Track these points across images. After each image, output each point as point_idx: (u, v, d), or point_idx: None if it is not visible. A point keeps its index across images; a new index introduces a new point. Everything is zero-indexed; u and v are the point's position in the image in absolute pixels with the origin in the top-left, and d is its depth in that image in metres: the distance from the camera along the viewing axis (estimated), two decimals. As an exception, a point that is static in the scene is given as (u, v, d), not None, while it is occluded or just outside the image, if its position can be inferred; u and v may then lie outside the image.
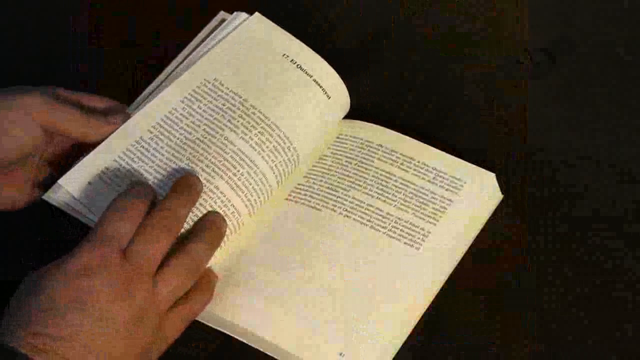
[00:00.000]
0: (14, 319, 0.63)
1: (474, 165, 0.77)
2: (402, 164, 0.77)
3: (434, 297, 0.72)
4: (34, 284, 0.64)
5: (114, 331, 0.64)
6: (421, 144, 0.78)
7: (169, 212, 0.68)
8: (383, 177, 0.77)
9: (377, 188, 0.76)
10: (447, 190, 0.76)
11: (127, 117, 0.74)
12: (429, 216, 0.74)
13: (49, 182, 0.73)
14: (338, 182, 0.77)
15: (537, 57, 0.87)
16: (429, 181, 0.76)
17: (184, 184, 0.70)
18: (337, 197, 0.76)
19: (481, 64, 0.87)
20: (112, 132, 0.73)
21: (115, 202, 0.67)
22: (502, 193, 0.77)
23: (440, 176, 0.76)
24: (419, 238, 0.73)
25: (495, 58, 0.87)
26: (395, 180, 0.77)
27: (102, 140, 0.73)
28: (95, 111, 0.74)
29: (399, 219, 0.74)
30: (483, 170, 0.77)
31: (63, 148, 0.75)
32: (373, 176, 0.77)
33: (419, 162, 0.77)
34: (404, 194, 0.76)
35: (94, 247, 0.65)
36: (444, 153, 0.78)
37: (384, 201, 0.76)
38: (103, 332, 0.63)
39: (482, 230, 0.76)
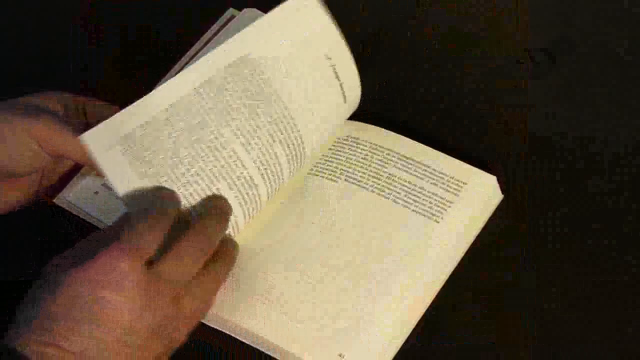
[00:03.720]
0: (25, 321, 0.61)
1: (474, 168, 0.77)
2: (402, 165, 0.78)
3: (434, 296, 0.72)
4: (52, 284, 0.61)
5: (127, 348, 0.62)
6: (420, 145, 0.78)
7: (204, 237, 0.65)
8: (382, 175, 0.77)
9: (374, 186, 0.76)
10: (447, 191, 0.76)
11: None
12: (432, 214, 0.75)
13: (56, 188, 0.73)
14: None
15: (537, 57, 0.87)
16: (430, 182, 0.76)
17: (219, 208, 0.69)
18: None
19: (481, 64, 0.87)
20: None
21: (142, 211, 0.64)
22: (502, 193, 0.77)
23: (441, 177, 0.77)
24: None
25: (495, 58, 0.87)
26: (394, 180, 0.77)
27: None
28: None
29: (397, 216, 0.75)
30: (483, 172, 0.77)
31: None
32: (369, 175, 0.77)
33: (419, 162, 0.77)
34: (405, 194, 0.76)
35: (120, 257, 0.61)
36: (444, 155, 0.78)
37: (386, 198, 0.76)
38: (116, 349, 0.61)
39: (482, 230, 0.76)
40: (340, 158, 0.79)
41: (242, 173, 0.71)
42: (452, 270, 0.74)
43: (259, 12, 0.79)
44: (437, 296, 0.72)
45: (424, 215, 0.75)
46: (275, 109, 0.72)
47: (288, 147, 0.73)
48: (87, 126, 0.74)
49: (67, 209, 0.72)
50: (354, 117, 0.81)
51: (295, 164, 0.75)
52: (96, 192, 0.72)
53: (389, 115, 0.83)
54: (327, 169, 0.78)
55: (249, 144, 0.71)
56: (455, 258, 0.74)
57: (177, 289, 0.64)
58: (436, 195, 0.76)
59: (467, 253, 0.74)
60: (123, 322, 0.61)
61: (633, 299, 0.73)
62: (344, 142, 0.80)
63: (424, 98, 0.85)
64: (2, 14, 0.95)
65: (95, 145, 0.66)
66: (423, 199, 0.76)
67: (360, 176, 0.77)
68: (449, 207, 0.75)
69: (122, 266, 0.61)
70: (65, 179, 0.73)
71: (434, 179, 0.77)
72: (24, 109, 0.70)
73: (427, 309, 0.72)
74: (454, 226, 0.74)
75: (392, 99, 0.86)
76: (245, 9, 0.79)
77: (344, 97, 0.77)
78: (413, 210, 0.75)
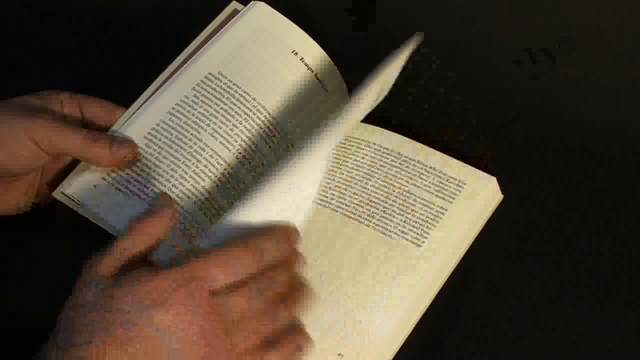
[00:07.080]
0: (62, 327, 0.56)
1: (474, 168, 0.77)
2: (401, 164, 0.78)
3: (434, 296, 0.72)
4: (102, 290, 0.56)
5: None
6: (420, 144, 0.79)
7: (271, 275, 0.60)
8: (381, 175, 0.77)
9: (374, 186, 0.77)
10: (447, 191, 0.76)
11: (134, 148, 0.73)
12: (429, 218, 0.75)
13: (55, 184, 0.73)
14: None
15: (537, 57, 0.87)
16: (429, 182, 0.76)
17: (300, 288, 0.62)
18: (337, 197, 0.76)
19: (481, 64, 0.87)
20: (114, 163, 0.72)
21: (224, 246, 0.59)
22: (502, 193, 0.77)
23: (441, 177, 0.77)
24: (419, 237, 0.74)
25: (495, 58, 0.87)
26: (393, 179, 0.77)
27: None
28: (97, 125, 0.74)
29: (401, 219, 0.75)
30: (483, 172, 0.77)
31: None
32: (369, 174, 0.77)
33: (418, 162, 0.77)
34: (404, 194, 0.76)
35: (182, 281, 0.56)
36: (444, 154, 0.78)
37: (385, 198, 0.76)
38: None
39: (482, 230, 0.76)
40: (340, 158, 0.79)
41: (225, 170, 0.73)
42: (451, 271, 0.74)
43: (266, 5, 0.78)
44: (438, 295, 0.72)
45: (424, 216, 0.75)
46: (249, 107, 0.75)
47: (270, 139, 0.75)
48: (84, 124, 0.74)
49: (64, 202, 0.72)
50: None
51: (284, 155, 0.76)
52: (95, 185, 0.72)
53: (389, 115, 0.83)
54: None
55: (228, 142, 0.74)
56: (455, 258, 0.74)
57: (229, 323, 0.57)
58: (437, 196, 0.76)
59: (467, 253, 0.74)
60: (162, 348, 0.55)
61: (633, 299, 0.73)
62: (344, 141, 0.80)
63: (423, 98, 0.85)
64: (2, 14, 0.95)
65: (79, 190, 0.72)
66: (423, 200, 0.76)
67: (360, 175, 0.77)
68: (449, 207, 0.75)
69: (183, 290, 0.56)
70: (64, 176, 0.74)
71: (433, 179, 0.77)
72: (22, 109, 0.70)
73: (427, 309, 0.72)
74: (453, 226, 0.74)
75: (392, 99, 0.86)
76: (252, 2, 0.78)
77: (322, 86, 0.79)
78: (413, 211, 0.75)
